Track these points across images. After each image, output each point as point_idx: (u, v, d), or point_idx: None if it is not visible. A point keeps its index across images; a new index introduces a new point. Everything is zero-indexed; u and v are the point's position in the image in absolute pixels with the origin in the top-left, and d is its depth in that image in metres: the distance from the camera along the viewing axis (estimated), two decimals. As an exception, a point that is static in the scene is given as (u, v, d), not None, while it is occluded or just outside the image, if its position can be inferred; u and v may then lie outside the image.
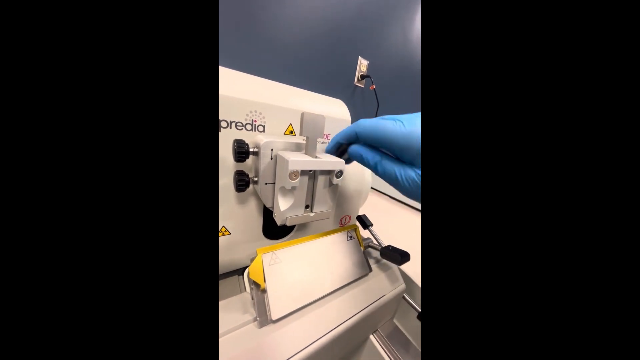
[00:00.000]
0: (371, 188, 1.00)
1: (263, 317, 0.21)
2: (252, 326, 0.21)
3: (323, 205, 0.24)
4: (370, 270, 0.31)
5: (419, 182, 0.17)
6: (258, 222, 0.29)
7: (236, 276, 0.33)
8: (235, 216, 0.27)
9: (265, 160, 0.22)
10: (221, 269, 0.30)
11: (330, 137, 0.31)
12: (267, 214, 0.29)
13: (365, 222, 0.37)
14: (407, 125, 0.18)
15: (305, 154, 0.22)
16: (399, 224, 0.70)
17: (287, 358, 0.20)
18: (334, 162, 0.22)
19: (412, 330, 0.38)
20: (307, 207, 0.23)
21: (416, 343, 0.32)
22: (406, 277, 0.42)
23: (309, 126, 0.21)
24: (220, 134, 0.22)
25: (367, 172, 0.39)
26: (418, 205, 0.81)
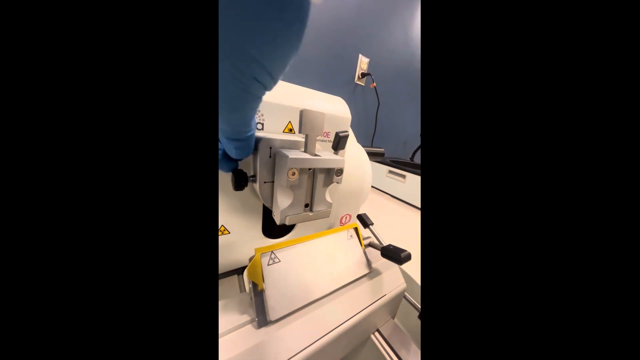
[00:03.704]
0: (372, 187, 1.00)
1: (261, 318, 0.21)
2: (250, 327, 0.20)
3: (323, 204, 0.24)
4: (371, 269, 0.30)
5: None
6: (257, 221, 0.29)
7: (235, 276, 0.32)
8: (234, 215, 0.26)
9: (263, 158, 0.22)
10: (220, 269, 0.30)
11: (331, 135, 0.30)
12: (267, 213, 0.29)
13: (365, 221, 0.36)
14: None
15: (305, 151, 0.21)
16: (400, 222, 0.69)
17: None
18: (334, 160, 0.22)
19: (413, 329, 0.38)
20: (306, 206, 0.23)
21: (417, 343, 0.32)
22: (407, 276, 0.42)
23: (308, 124, 0.20)
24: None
25: (368, 171, 0.39)
26: (419, 204, 0.81)
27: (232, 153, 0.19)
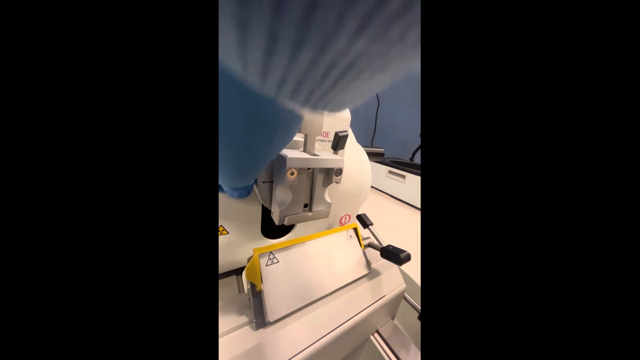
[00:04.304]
0: (372, 187, 0.99)
1: (260, 319, 0.21)
2: (248, 328, 0.20)
3: (322, 204, 0.24)
4: (371, 270, 0.30)
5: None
6: (257, 221, 0.29)
7: (234, 276, 0.32)
8: (233, 215, 0.26)
9: None
10: (219, 269, 0.29)
11: (330, 135, 0.30)
12: (266, 213, 0.29)
13: (365, 221, 0.36)
14: None
15: (304, 151, 0.21)
16: (399, 223, 0.69)
17: (284, 361, 0.19)
18: (333, 160, 0.22)
19: (412, 330, 0.38)
20: (305, 205, 0.23)
21: (417, 344, 0.32)
22: (407, 277, 0.42)
23: (307, 123, 0.20)
24: None
25: (367, 171, 0.39)
26: (418, 204, 0.81)
27: (234, 196, 0.21)
